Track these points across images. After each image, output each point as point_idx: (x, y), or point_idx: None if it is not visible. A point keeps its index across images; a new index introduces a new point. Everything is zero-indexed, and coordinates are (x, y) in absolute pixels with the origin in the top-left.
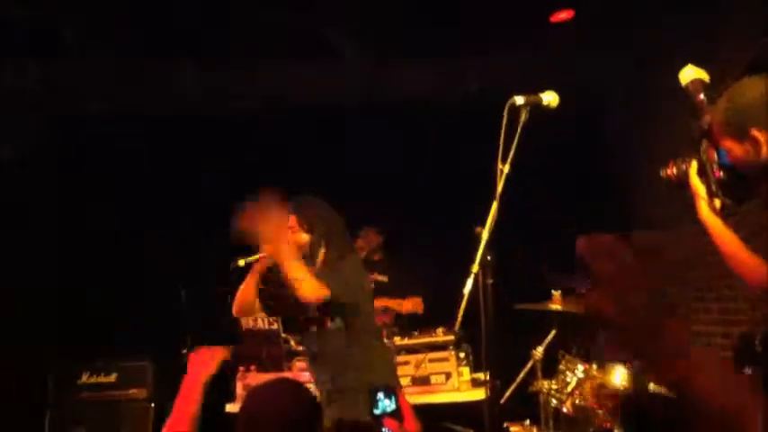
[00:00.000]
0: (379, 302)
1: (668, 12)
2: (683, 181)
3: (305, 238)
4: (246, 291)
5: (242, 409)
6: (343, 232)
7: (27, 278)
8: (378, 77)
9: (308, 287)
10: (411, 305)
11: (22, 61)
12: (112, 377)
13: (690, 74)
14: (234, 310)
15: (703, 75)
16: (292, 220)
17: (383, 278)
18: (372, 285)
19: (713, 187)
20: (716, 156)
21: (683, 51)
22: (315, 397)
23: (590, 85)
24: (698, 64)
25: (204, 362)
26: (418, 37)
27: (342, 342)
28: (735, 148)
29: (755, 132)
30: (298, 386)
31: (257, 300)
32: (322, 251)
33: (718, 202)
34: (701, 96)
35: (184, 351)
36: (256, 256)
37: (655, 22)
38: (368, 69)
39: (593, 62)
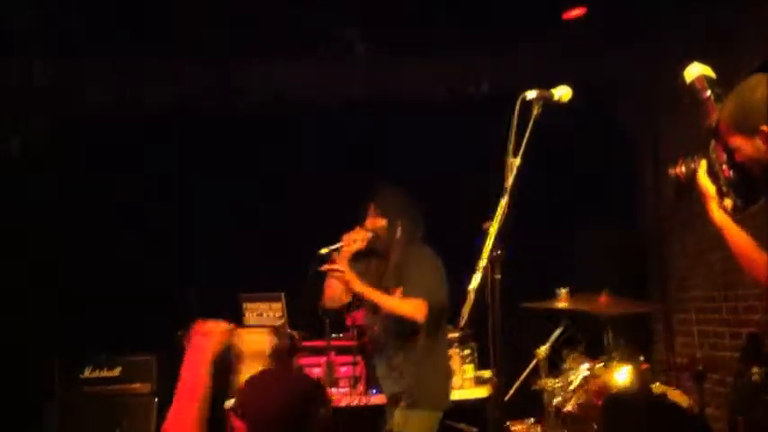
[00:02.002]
0: None
1: (683, 7)
2: (691, 180)
3: (382, 222)
4: (336, 281)
5: (238, 399)
6: (418, 222)
7: (29, 272)
8: (385, 75)
9: (410, 309)
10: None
11: (24, 59)
12: (116, 371)
13: (695, 71)
14: (324, 302)
15: (709, 71)
16: (371, 208)
17: None
18: None
19: (723, 188)
20: (724, 155)
21: (697, 46)
22: (312, 383)
23: (603, 80)
24: (710, 60)
25: (208, 334)
26: (426, 33)
27: (420, 356)
28: (745, 146)
29: (767, 128)
30: (292, 376)
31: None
32: (397, 245)
33: (728, 203)
34: (708, 94)
35: (180, 333)
36: (339, 245)
37: (669, 17)
38: (375, 66)
39: (606, 57)
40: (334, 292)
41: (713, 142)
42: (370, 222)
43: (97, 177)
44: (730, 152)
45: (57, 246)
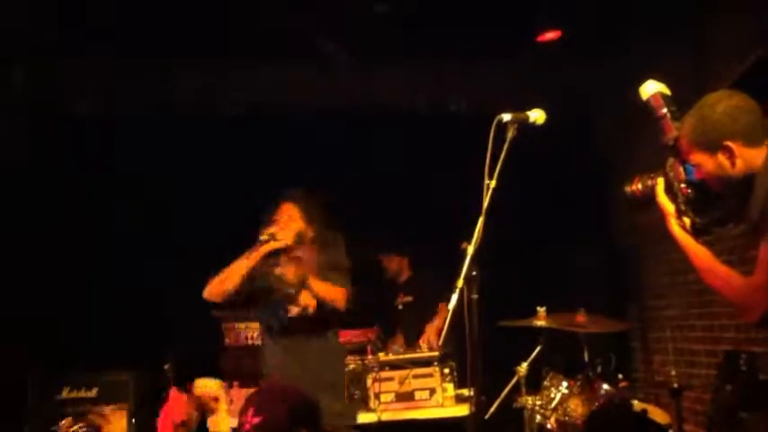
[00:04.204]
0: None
1: (656, 24)
2: (648, 197)
3: (301, 226)
4: (235, 273)
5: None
6: (328, 221)
7: (4, 291)
8: (363, 86)
9: (340, 296)
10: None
11: (10, 61)
12: (93, 392)
13: (651, 88)
14: (206, 291)
15: (664, 89)
16: (291, 208)
17: (408, 298)
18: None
19: (681, 205)
20: (683, 172)
21: (670, 61)
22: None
23: (578, 95)
24: (683, 73)
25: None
26: (403, 46)
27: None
28: (706, 163)
29: (730, 144)
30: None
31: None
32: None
33: (687, 221)
34: (664, 111)
35: (166, 366)
36: (274, 230)
37: (642, 33)
38: (353, 77)
39: (580, 73)
40: (228, 284)
41: (671, 160)
42: (288, 222)
43: (68, 184)
44: (688, 170)
45: (29, 262)
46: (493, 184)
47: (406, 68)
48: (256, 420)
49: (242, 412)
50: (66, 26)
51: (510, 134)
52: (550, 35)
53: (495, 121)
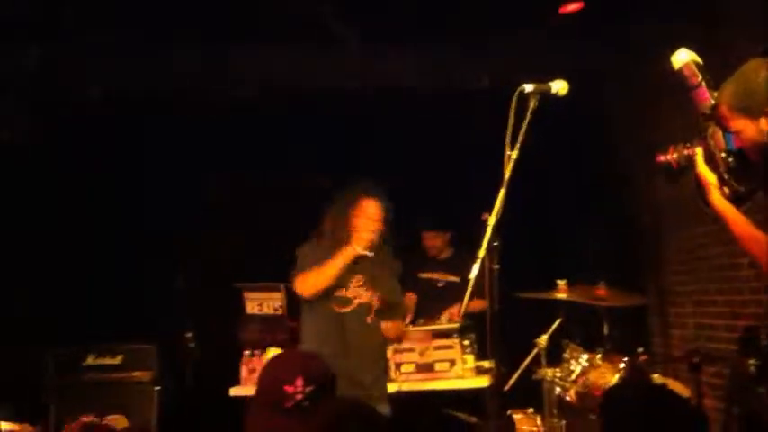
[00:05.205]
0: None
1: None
2: (685, 167)
3: (381, 229)
4: (329, 274)
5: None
6: None
7: (29, 262)
8: (376, 65)
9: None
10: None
11: (18, 44)
12: (118, 359)
13: (684, 57)
14: (300, 287)
15: (697, 57)
16: (374, 206)
17: (454, 278)
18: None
19: (724, 174)
20: (724, 141)
21: (681, 33)
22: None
23: (589, 67)
24: (696, 47)
25: None
26: (415, 23)
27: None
28: (747, 129)
29: None
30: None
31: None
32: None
33: (727, 190)
34: (699, 79)
35: (188, 335)
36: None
37: (654, 4)
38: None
39: (592, 45)
40: (317, 282)
41: (711, 128)
42: (372, 225)
43: (93, 162)
44: (728, 138)
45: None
46: (514, 155)
47: (414, 45)
48: (309, 389)
49: (285, 381)
50: (67, 23)
51: (532, 105)
52: (573, 6)
53: (516, 92)
